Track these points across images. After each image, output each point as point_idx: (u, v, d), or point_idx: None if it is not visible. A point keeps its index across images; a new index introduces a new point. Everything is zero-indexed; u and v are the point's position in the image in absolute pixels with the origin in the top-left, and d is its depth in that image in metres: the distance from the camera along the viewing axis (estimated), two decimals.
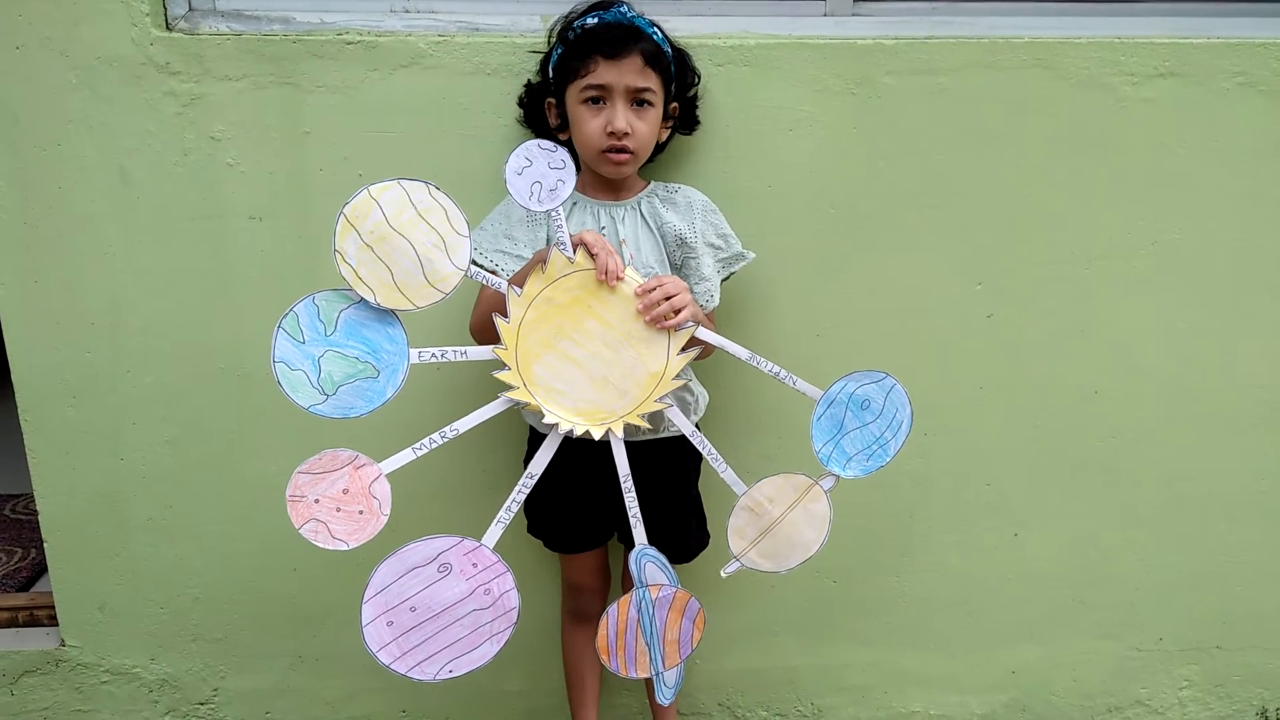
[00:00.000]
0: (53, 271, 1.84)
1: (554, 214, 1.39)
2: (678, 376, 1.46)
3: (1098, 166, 1.85)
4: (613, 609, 1.53)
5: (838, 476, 1.51)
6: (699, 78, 1.73)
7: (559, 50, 1.61)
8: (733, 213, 1.74)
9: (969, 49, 1.78)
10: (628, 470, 1.49)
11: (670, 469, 1.72)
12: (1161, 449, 2.02)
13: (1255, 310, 1.94)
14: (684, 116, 1.73)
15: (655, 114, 1.60)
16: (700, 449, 1.52)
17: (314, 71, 1.75)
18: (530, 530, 1.83)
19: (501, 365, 1.43)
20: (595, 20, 1.57)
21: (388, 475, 1.39)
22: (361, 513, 1.37)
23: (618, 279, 1.41)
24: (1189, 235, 1.89)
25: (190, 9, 1.78)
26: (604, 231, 1.64)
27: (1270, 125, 1.82)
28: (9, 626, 2.19)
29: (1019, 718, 2.20)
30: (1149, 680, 2.18)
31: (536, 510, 1.79)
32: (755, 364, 1.49)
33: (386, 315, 1.35)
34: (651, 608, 1.53)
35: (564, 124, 1.64)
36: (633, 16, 1.60)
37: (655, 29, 1.61)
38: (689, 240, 1.65)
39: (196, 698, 2.12)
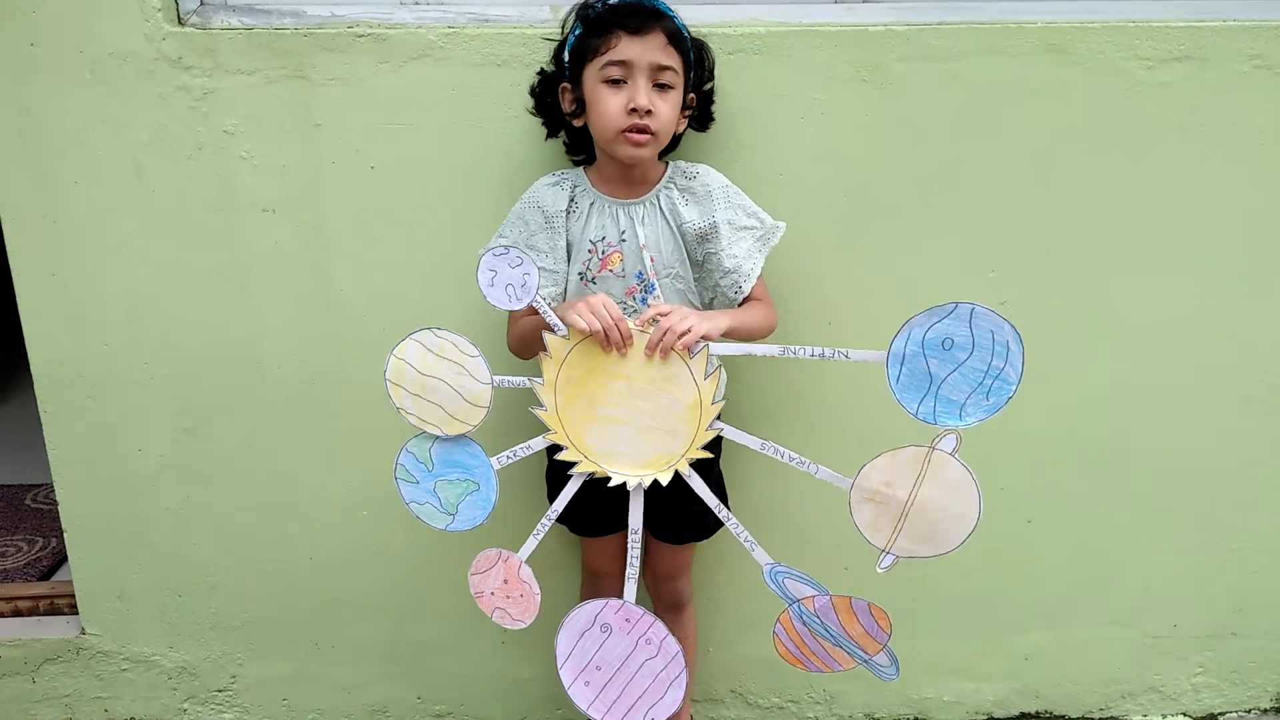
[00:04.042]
0: (70, 265, 1.86)
1: (535, 303, 1.44)
2: (715, 401, 1.45)
3: (1112, 152, 1.83)
4: (777, 628, 1.50)
5: (958, 431, 1.32)
6: (713, 75, 1.71)
7: (577, 30, 1.59)
8: None
9: (981, 34, 1.77)
10: (717, 500, 1.52)
11: None
12: (1178, 435, 2.01)
13: (1272, 295, 1.92)
14: (700, 111, 1.71)
15: (676, 97, 1.58)
16: (778, 457, 1.45)
17: (325, 65, 1.76)
18: None
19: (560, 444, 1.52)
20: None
21: (525, 561, 1.57)
22: (522, 595, 1.58)
23: (629, 343, 1.45)
24: (1205, 219, 1.87)
25: (202, 3, 1.79)
26: (624, 236, 1.63)
27: None
28: (30, 615, 2.22)
29: (1032, 704, 2.20)
30: (1163, 667, 2.17)
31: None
32: (791, 354, 1.42)
33: (460, 439, 1.52)
34: (817, 618, 1.47)
35: (579, 109, 1.61)
36: None
37: (675, 15, 1.59)
38: (709, 235, 1.65)
39: (215, 685, 2.15)
